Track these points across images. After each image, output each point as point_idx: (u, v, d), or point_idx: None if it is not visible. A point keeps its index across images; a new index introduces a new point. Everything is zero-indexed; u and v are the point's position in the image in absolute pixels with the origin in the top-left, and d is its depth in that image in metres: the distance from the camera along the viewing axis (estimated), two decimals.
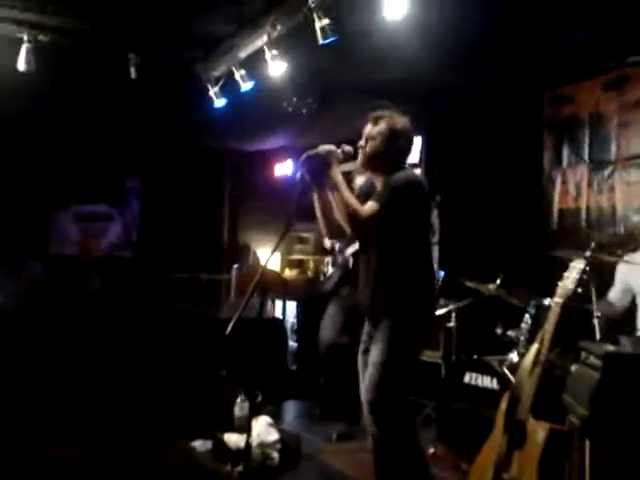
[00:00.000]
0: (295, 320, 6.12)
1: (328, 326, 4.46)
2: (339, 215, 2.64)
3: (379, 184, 2.86)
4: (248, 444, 2.68)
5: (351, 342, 4.29)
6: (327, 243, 4.53)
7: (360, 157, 2.83)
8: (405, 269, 2.77)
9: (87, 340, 4.93)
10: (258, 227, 7.22)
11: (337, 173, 2.65)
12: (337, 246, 4.44)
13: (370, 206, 2.66)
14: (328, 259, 4.60)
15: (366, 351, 2.86)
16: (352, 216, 2.60)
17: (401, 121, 2.83)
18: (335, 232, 2.82)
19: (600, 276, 3.50)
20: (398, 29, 3.73)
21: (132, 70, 4.57)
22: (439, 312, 4.33)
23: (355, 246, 4.21)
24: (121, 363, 4.72)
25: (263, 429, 3.59)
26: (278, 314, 6.26)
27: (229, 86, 4.90)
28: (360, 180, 4.05)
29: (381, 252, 2.79)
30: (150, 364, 4.73)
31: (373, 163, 2.85)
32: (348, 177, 4.46)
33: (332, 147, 2.68)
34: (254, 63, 4.50)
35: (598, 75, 4.68)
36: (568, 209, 4.87)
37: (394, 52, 4.26)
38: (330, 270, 4.50)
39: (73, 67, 4.88)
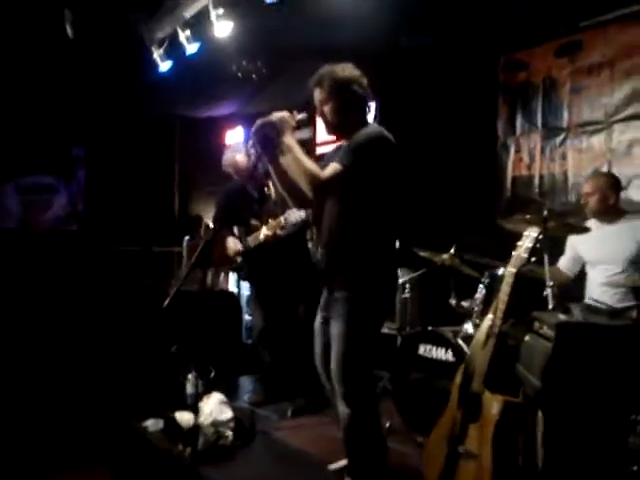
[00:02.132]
0: (250, 293, 6.01)
1: (255, 312, 4.45)
2: (297, 179, 2.49)
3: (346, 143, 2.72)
4: (196, 424, 2.63)
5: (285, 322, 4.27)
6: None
7: (325, 128, 2.71)
8: (366, 235, 2.67)
9: (31, 316, 4.76)
10: (210, 197, 7.06)
11: (292, 141, 2.51)
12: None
13: (331, 167, 2.53)
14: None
15: (326, 322, 2.81)
16: (311, 177, 2.46)
17: (343, 69, 2.69)
18: (302, 200, 2.68)
19: (554, 245, 3.49)
20: None
21: (68, 29, 4.33)
22: None
23: (256, 236, 4.10)
24: (67, 340, 4.57)
25: (216, 407, 3.51)
26: (233, 287, 6.14)
27: (175, 49, 4.72)
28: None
29: (342, 216, 2.68)
30: (97, 340, 4.59)
31: (338, 127, 2.72)
32: (305, 146, 4.39)
33: (285, 114, 2.54)
34: (200, 24, 4.32)
35: (551, 40, 4.64)
36: (522, 177, 4.86)
37: (345, 13, 4.14)
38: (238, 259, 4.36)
39: (6, 26, 4.60)
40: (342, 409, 2.73)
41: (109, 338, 4.62)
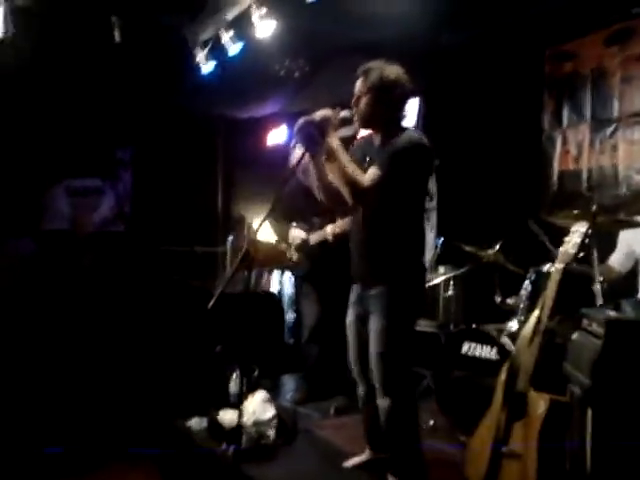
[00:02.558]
0: (292, 292, 6.02)
1: (309, 308, 4.40)
2: (338, 184, 2.53)
3: (378, 142, 2.75)
4: (239, 423, 2.65)
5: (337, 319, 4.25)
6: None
7: (355, 116, 2.71)
8: (401, 234, 2.72)
9: (80, 317, 4.86)
10: (253, 197, 7.06)
11: (334, 140, 2.52)
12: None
13: (372, 173, 2.56)
14: (284, 244, 4.42)
15: (360, 318, 2.83)
16: (352, 185, 2.49)
17: (393, 70, 2.69)
18: (335, 201, 2.71)
19: (602, 240, 3.37)
20: None
21: (116, 34, 4.44)
22: (437, 280, 4.24)
23: (320, 234, 4.11)
24: (114, 340, 4.65)
25: (259, 406, 3.52)
26: (275, 287, 6.16)
27: (218, 50, 4.77)
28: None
29: (378, 217, 2.71)
30: (144, 341, 4.66)
31: (369, 120, 2.73)
32: (348, 143, 4.37)
33: (328, 112, 2.55)
34: (242, 25, 4.36)
35: (601, 29, 4.49)
36: (569, 170, 4.72)
37: (387, 10, 4.11)
38: (294, 256, 4.33)
39: (54, 33, 4.71)
40: (382, 402, 2.74)
41: (156, 338, 4.68)
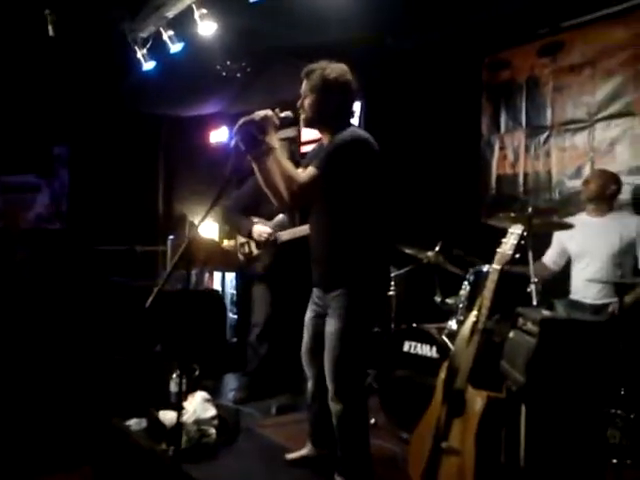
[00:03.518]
0: (235, 292, 6.01)
1: (261, 307, 4.32)
2: (276, 183, 2.50)
3: (325, 143, 2.75)
4: (179, 423, 2.62)
5: (286, 319, 4.24)
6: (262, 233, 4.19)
7: (301, 118, 2.72)
8: (357, 235, 2.70)
9: (11, 313, 4.71)
10: (194, 196, 7.02)
11: (273, 140, 2.50)
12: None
13: (308, 172, 2.55)
14: (243, 238, 4.32)
15: (319, 315, 2.84)
16: (288, 183, 2.47)
17: (335, 70, 2.70)
18: (282, 200, 2.64)
19: (537, 241, 3.51)
20: None
21: (50, 28, 4.30)
22: None
23: (288, 233, 4.07)
24: (50, 339, 4.52)
25: (200, 405, 3.49)
26: (217, 285, 6.13)
27: (158, 48, 4.69)
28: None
29: (330, 218, 2.72)
30: (81, 340, 4.55)
31: (313, 121, 2.74)
32: (290, 144, 4.36)
33: (268, 112, 2.53)
34: (184, 23, 4.30)
35: (534, 40, 4.68)
36: (506, 175, 4.89)
37: (330, 13, 4.12)
38: (255, 251, 4.26)
39: None
40: (333, 405, 2.74)
41: (93, 337, 4.58)
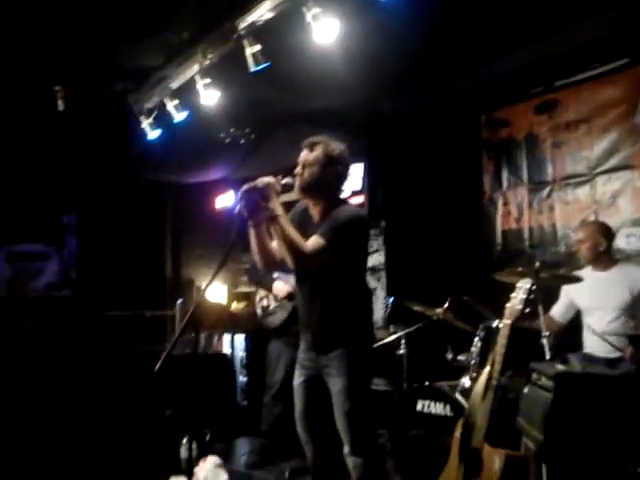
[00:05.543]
0: (244, 354, 5.97)
1: (278, 366, 4.31)
2: (281, 249, 2.63)
3: (316, 213, 2.87)
4: None
5: None
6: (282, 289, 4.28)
7: (297, 184, 2.80)
8: (351, 299, 2.83)
9: (20, 384, 4.67)
10: (201, 261, 7.09)
11: (277, 206, 2.61)
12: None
13: (314, 242, 2.67)
14: (263, 292, 4.42)
15: (312, 379, 2.85)
16: (295, 250, 2.59)
17: (337, 147, 2.85)
18: (270, 263, 2.84)
19: (546, 295, 3.51)
20: (331, 56, 3.71)
21: (60, 102, 4.43)
22: (389, 339, 4.28)
23: None
24: (57, 407, 4.48)
25: (211, 471, 3.44)
26: (227, 348, 6.10)
27: (164, 117, 4.81)
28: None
29: (326, 285, 2.81)
30: (89, 407, 4.50)
31: (310, 190, 2.84)
32: (289, 208, 4.44)
33: (270, 179, 2.64)
34: (187, 93, 4.43)
35: (530, 99, 4.80)
36: (511, 230, 4.93)
37: (329, 79, 4.25)
38: (272, 305, 4.35)
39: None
40: (352, 460, 2.73)
41: (102, 405, 4.53)
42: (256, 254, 2.77)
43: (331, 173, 2.82)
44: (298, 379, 2.93)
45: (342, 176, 2.88)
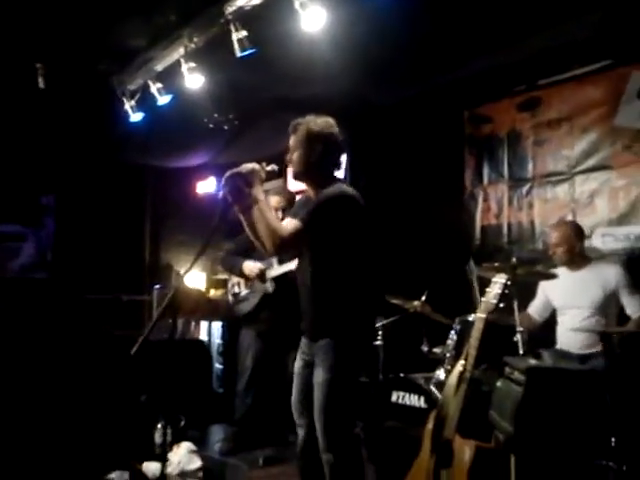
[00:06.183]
0: (221, 341, 5.97)
1: (247, 355, 4.31)
2: (261, 233, 2.54)
3: (313, 197, 2.78)
4: (163, 474, 2.58)
5: (273, 367, 4.22)
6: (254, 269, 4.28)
7: (292, 176, 2.77)
8: (342, 287, 2.71)
9: None
10: (180, 246, 7.05)
11: (259, 192, 2.55)
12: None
13: (292, 225, 2.61)
14: (235, 279, 4.41)
15: (307, 364, 2.81)
16: (272, 235, 2.51)
17: (318, 123, 2.75)
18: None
19: (523, 291, 3.56)
20: (318, 45, 3.70)
21: (40, 80, 4.37)
22: None
23: (277, 269, 4.13)
24: (30, 389, 4.44)
25: (185, 456, 3.45)
26: (204, 335, 6.09)
27: (147, 100, 4.76)
28: (274, 200, 4.00)
29: (314, 270, 2.73)
30: (63, 390, 4.47)
31: (301, 174, 2.79)
32: (288, 194, 4.42)
33: (255, 165, 2.58)
34: (172, 76, 4.39)
35: (513, 96, 4.83)
36: (490, 225, 4.98)
37: (314, 68, 4.23)
38: (243, 292, 4.35)
39: None
40: (324, 456, 2.70)
41: (76, 388, 4.50)
42: (255, 241, 2.63)
43: (315, 151, 2.71)
44: (298, 363, 2.90)
45: (328, 152, 2.75)
